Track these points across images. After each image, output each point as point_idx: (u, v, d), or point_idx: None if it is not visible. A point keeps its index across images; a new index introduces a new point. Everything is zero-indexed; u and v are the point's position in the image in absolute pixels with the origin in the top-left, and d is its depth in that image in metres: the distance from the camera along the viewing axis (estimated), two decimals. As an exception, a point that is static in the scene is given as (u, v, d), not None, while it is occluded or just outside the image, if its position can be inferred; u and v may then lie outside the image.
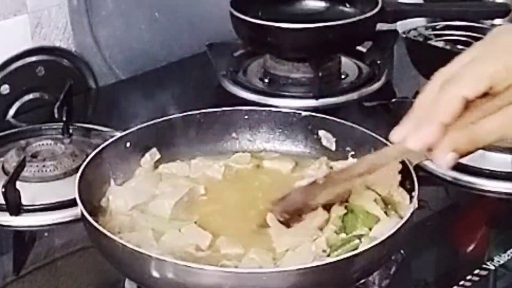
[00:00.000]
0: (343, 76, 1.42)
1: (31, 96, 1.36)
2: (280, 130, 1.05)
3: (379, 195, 0.92)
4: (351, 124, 1.00)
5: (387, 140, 0.85)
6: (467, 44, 0.85)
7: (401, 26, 1.49)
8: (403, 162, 0.91)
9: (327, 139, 1.03)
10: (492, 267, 0.96)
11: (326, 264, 0.78)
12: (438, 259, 1.03)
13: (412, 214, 0.84)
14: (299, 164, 1.02)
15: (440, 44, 1.45)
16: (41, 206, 1.05)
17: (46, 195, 1.07)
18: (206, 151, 1.03)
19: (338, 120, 1.02)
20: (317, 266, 0.78)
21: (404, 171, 0.91)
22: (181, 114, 1.02)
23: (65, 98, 1.22)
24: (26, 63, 1.34)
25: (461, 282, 0.93)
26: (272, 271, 0.79)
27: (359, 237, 0.86)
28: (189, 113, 1.03)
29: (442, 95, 0.76)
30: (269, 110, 1.06)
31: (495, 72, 0.75)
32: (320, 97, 1.32)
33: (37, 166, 1.11)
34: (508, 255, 0.98)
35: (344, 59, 1.44)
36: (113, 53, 1.44)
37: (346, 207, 0.90)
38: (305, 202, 0.89)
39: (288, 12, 1.48)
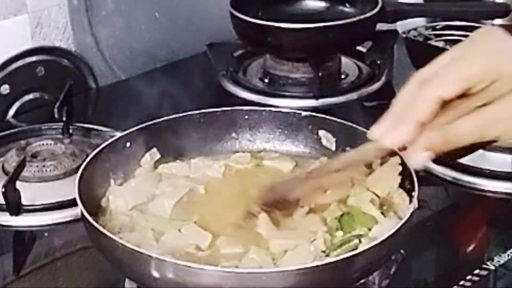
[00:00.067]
0: (343, 76, 1.42)
1: (31, 96, 1.36)
2: (280, 130, 1.05)
3: (378, 196, 0.92)
4: (351, 124, 1.00)
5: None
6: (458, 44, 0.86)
7: (401, 26, 1.49)
8: (403, 163, 0.91)
9: (327, 139, 1.03)
10: (492, 267, 0.96)
11: (326, 264, 0.78)
12: (438, 259, 1.03)
13: (412, 214, 0.84)
14: (299, 164, 1.02)
15: (440, 44, 1.45)
16: (41, 206, 1.05)
17: (46, 195, 1.07)
18: (206, 151, 1.03)
19: (338, 120, 1.02)
20: (317, 266, 0.78)
21: (404, 171, 0.91)
22: (181, 114, 1.02)
23: (65, 98, 1.22)
24: (26, 63, 1.34)
25: (461, 282, 0.93)
26: (272, 271, 0.79)
27: (359, 237, 0.86)
28: (189, 113, 1.03)
29: (419, 95, 0.77)
30: (269, 110, 1.06)
31: (472, 74, 0.76)
32: (320, 97, 1.32)
33: (37, 166, 1.11)
34: (508, 255, 0.98)
35: (344, 59, 1.44)
36: (113, 53, 1.44)
37: (342, 208, 0.91)
38: (285, 195, 0.90)
39: (288, 12, 1.48)
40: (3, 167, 1.13)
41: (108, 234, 0.81)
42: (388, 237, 0.81)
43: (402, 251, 0.96)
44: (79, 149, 1.16)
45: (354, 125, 1.00)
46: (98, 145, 0.97)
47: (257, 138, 1.05)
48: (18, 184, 1.03)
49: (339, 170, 0.89)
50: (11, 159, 1.12)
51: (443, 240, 1.05)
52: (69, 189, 0.95)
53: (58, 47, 1.38)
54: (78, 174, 0.90)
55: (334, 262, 0.79)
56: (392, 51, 1.46)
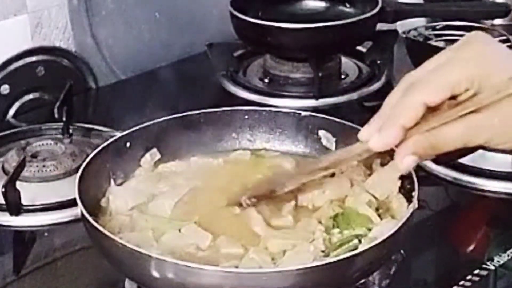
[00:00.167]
0: (343, 76, 1.42)
1: (31, 96, 1.36)
2: (280, 130, 1.05)
3: (376, 199, 0.92)
4: (351, 124, 1.00)
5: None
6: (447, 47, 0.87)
7: (401, 26, 1.49)
8: None
9: (327, 139, 1.03)
10: (492, 267, 0.96)
11: (326, 264, 0.78)
12: (438, 259, 1.03)
13: (412, 214, 0.84)
14: (299, 164, 1.01)
15: (440, 44, 1.45)
16: (41, 206, 1.05)
17: (46, 195, 1.07)
18: (206, 151, 1.03)
19: (338, 120, 1.02)
20: (317, 266, 0.78)
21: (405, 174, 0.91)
22: (181, 114, 1.02)
23: (65, 98, 1.22)
24: (26, 63, 1.34)
25: (461, 282, 0.93)
26: (272, 271, 0.79)
27: (359, 237, 0.86)
28: (189, 113, 1.03)
29: (405, 99, 0.78)
30: (269, 110, 1.06)
31: (458, 81, 0.76)
32: (320, 97, 1.32)
33: (37, 166, 1.11)
34: (508, 255, 0.98)
35: (344, 59, 1.44)
36: (113, 53, 1.44)
37: (337, 209, 0.91)
38: (273, 189, 0.91)
39: (288, 12, 1.48)
40: (3, 167, 1.13)
41: (108, 234, 0.81)
42: (388, 237, 0.81)
43: (402, 251, 0.96)
44: (79, 149, 1.16)
45: (354, 125, 1.00)
46: (98, 145, 0.97)
47: (257, 138, 1.05)
48: (18, 184, 1.03)
49: (327, 168, 0.90)
50: (11, 159, 1.12)
51: (443, 240, 1.05)
52: (69, 189, 0.96)
53: (58, 47, 1.38)
54: (78, 174, 0.90)
55: (334, 262, 0.79)
56: (392, 51, 1.46)
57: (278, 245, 0.85)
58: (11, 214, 1.03)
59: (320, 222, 0.89)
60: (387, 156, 0.91)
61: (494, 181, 1.10)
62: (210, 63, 1.41)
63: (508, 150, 0.80)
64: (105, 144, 0.97)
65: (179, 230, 0.88)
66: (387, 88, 1.39)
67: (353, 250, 0.81)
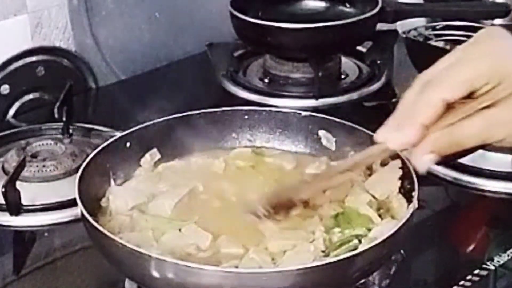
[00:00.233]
0: (343, 76, 1.42)
1: (31, 96, 1.36)
2: (280, 130, 1.05)
3: (376, 199, 0.92)
4: (351, 124, 1.00)
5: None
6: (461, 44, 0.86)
7: (401, 26, 1.49)
8: (403, 164, 0.91)
9: (327, 139, 1.03)
10: (492, 267, 0.96)
11: (326, 264, 0.78)
12: (438, 259, 1.03)
13: (412, 214, 0.84)
14: (299, 164, 1.01)
15: (440, 44, 1.45)
16: (41, 206, 1.05)
17: (46, 195, 1.07)
18: (206, 151, 1.03)
19: (338, 120, 1.02)
20: (317, 266, 0.78)
21: (404, 171, 0.91)
22: (181, 114, 1.02)
23: (65, 98, 1.22)
24: (26, 63, 1.34)
25: (461, 282, 0.93)
26: (272, 271, 0.79)
27: (359, 237, 0.86)
28: (189, 113, 1.03)
29: (423, 98, 0.77)
30: (269, 110, 1.06)
31: (476, 77, 0.76)
32: (320, 97, 1.32)
33: (37, 166, 1.11)
34: (508, 255, 0.98)
35: (344, 59, 1.44)
36: (113, 53, 1.44)
37: (339, 209, 0.91)
38: (291, 198, 0.90)
39: (288, 12, 1.48)
40: (3, 167, 1.13)
41: (108, 234, 0.81)
42: (388, 237, 0.81)
43: (402, 251, 0.96)
44: (79, 149, 1.16)
45: (354, 125, 1.00)
46: (98, 145, 0.97)
47: (257, 138, 1.05)
48: (18, 184, 1.03)
49: (344, 171, 0.89)
50: (11, 159, 1.12)
51: (443, 240, 1.05)
52: (69, 189, 0.96)
53: (58, 47, 1.38)
54: (78, 174, 0.90)
55: (334, 262, 0.79)
56: (392, 51, 1.46)
57: (278, 245, 0.85)
58: (11, 214, 1.03)
59: (321, 220, 0.89)
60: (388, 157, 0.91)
61: (494, 181, 1.10)
62: (210, 63, 1.41)
63: None
64: (105, 144, 0.97)
65: (179, 230, 0.88)
66: (387, 88, 1.40)
67: (353, 250, 0.81)
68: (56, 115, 1.20)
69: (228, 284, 0.77)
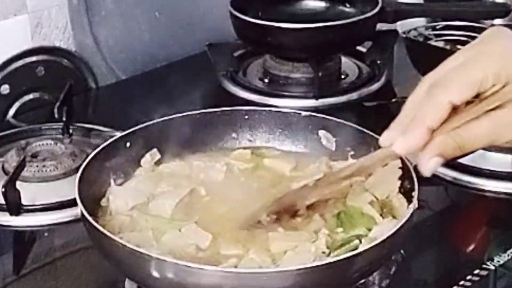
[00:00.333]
0: (343, 76, 1.42)
1: (31, 96, 1.36)
2: (280, 130, 1.05)
3: (377, 199, 0.92)
4: (351, 124, 1.00)
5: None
6: (467, 44, 0.85)
7: (401, 26, 1.49)
8: (403, 164, 0.91)
9: (327, 139, 1.03)
10: (492, 267, 0.96)
11: (326, 264, 0.78)
12: (438, 259, 1.03)
13: (412, 214, 0.84)
14: (299, 164, 1.02)
15: (440, 44, 1.45)
16: (41, 206, 1.05)
17: (46, 195, 1.07)
18: (206, 151, 1.03)
19: (338, 120, 1.02)
20: (317, 266, 0.78)
21: (404, 171, 0.91)
22: (181, 114, 1.02)
23: (65, 98, 1.22)
24: (26, 63, 1.34)
25: (461, 282, 0.93)
26: (272, 271, 0.79)
27: (359, 237, 0.86)
28: (189, 113, 1.03)
29: (429, 100, 0.76)
30: (269, 110, 1.06)
31: (484, 78, 0.74)
32: (320, 97, 1.32)
33: (37, 166, 1.11)
34: (508, 255, 0.98)
35: (344, 59, 1.44)
36: (113, 53, 1.44)
37: (341, 208, 0.91)
38: (294, 203, 0.90)
39: (288, 12, 1.48)
40: (3, 167, 1.13)
41: (108, 234, 0.81)
42: (388, 237, 0.81)
43: (402, 251, 0.96)
44: (79, 149, 1.16)
45: (354, 125, 1.00)
46: (98, 145, 0.97)
47: (257, 138, 1.05)
48: (18, 184, 1.03)
49: (350, 176, 0.89)
50: (11, 159, 1.12)
51: (443, 240, 1.05)
52: (69, 189, 0.96)
53: (58, 47, 1.38)
54: (78, 174, 0.90)
55: (334, 262, 0.79)
56: (392, 51, 1.46)
57: (279, 246, 0.85)
58: (11, 214, 1.03)
59: (324, 221, 0.89)
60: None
61: (494, 181, 1.10)
62: (210, 63, 1.41)
63: None
64: (105, 144, 0.97)
65: (179, 230, 0.88)
66: (387, 88, 1.40)
67: (353, 250, 0.81)
68: (56, 115, 1.20)
69: (228, 284, 0.77)
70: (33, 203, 1.05)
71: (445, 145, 0.76)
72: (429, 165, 0.77)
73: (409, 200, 0.89)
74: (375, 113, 1.28)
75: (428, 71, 0.80)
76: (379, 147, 0.82)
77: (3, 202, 1.02)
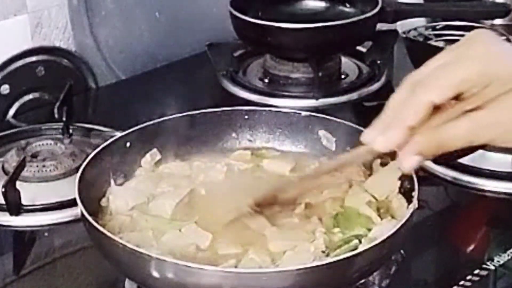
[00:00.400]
0: (343, 76, 1.42)
1: (31, 96, 1.36)
2: (280, 130, 1.05)
3: (376, 199, 0.92)
4: (351, 124, 1.00)
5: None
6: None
7: (401, 26, 1.49)
8: None
9: (327, 139, 1.03)
10: (492, 267, 0.96)
11: (326, 264, 0.78)
12: (438, 259, 1.03)
13: (412, 214, 0.84)
14: (299, 164, 1.02)
15: (440, 44, 1.45)
16: (41, 206, 1.05)
17: (46, 195, 1.07)
18: (206, 151, 1.03)
19: (338, 120, 1.02)
20: (317, 266, 0.78)
21: (404, 174, 0.91)
22: (181, 114, 1.02)
23: (65, 98, 1.22)
24: (26, 63, 1.34)
25: (461, 282, 0.93)
26: (272, 271, 0.79)
27: (359, 237, 0.87)
28: (189, 113, 1.03)
29: (410, 99, 0.77)
30: (269, 110, 1.06)
31: (464, 79, 0.75)
32: (320, 97, 1.32)
33: (37, 166, 1.11)
34: (508, 255, 0.98)
35: (344, 59, 1.44)
36: (113, 53, 1.44)
37: (337, 208, 0.91)
38: (275, 195, 0.91)
39: (288, 12, 1.48)
40: (3, 167, 1.13)
41: (108, 234, 0.81)
42: (388, 237, 0.81)
43: (402, 251, 0.96)
44: (79, 149, 1.16)
45: (354, 125, 1.00)
46: (98, 145, 0.97)
47: (257, 138, 1.05)
48: (18, 184, 1.03)
49: (330, 171, 0.90)
50: (11, 159, 1.12)
51: (443, 240, 1.05)
52: (69, 189, 0.96)
53: (58, 47, 1.38)
54: (78, 174, 0.90)
55: (334, 262, 0.79)
56: (392, 51, 1.46)
57: (278, 245, 0.85)
58: (11, 214, 1.03)
59: (321, 220, 0.89)
60: (387, 156, 0.91)
61: (494, 181, 1.10)
62: (210, 63, 1.41)
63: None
64: (105, 144, 0.97)
65: (179, 230, 0.88)
66: (387, 88, 1.40)
67: (353, 250, 0.81)
68: (56, 115, 1.20)
69: (228, 284, 0.77)
70: (33, 203, 1.05)
71: (424, 144, 0.77)
72: (409, 162, 0.79)
73: (409, 200, 0.89)
74: (375, 113, 1.27)
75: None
76: (361, 143, 0.83)
77: (3, 202, 1.02)
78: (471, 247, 1.04)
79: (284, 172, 1.00)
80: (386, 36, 1.45)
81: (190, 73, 1.45)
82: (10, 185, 1.01)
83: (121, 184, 0.97)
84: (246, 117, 1.05)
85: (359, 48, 1.46)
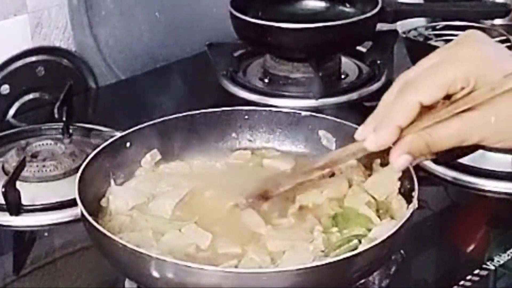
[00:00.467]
0: (343, 76, 1.42)
1: (31, 96, 1.36)
2: (280, 130, 1.05)
3: (375, 199, 0.92)
4: (351, 124, 1.00)
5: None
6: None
7: (401, 26, 1.49)
8: None
9: (327, 139, 1.03)
10: (492, 267, 0.96)
11: (326, 264, 0.78)
12: (438, 259, 1.03)
13: (412, 214, 0.84)
14: (299, 164, 1.01)
15: (440, 44, 1.45)
16: (41, 206, 1.05)
17: (46, 195, 1.07)
18: (206, 151, 1.03)
19: (338, 120, 1.02)
20: (317, 266, 0.78)
21: (404, 171, 0.91)
22: (181, 114, 1.02)
23: (65, 98, 1.22)
24: (26, 63, 1.34)
25: (461, 282, 0.93)
26: (272, 271, 0.79)
27: (358, 237, 0.86)
28: (189, 113, 1.03)
29: (400, 99, 0.78)
30: (269, 110, 1.06)
31: (454, 80, 0.76)
32: (320, 97, 1.32)
33: (37, 166, 1.11)
34: (508, 255, 0.98)
35: (344, 59, 1.44)
36: (113, 53, 1.44)
37: (336, 208, 0.91)
38: (268, 189, 0.91)
39: (288, 12, 1.48)
40: (3, 167, 1.13)
41: (108, 234, 0.81)
42: (388, 237, 0.81)
43: (402, 251, 0.96)
44: (79, 149, 1.16)
45: (354, 125, 1.00)
46: (98, 145, 0.97)
47: (257, 138, 1.05)
48: (18, 184, 1.03)
49: (324, 167, 0.90)
50: (11, 159, 1.12)
51: (443, 240, 1.05)
52: (69, 189, 0.96)
53: (58, 47, 1.38)
54: (78, 174, 0.90)
55: (334, 262, 0.79)
56: (392, 51, 1.46)
57: (277, 245, 0.85)
58: (11, 214, 1.03)
59: (319, 222, 0.89)
60: (387, 156, 0.91)
61: (494, 181, 1.10)
62: (210, 63, 1.41)
63: (505, 148, 0.80)
64: (105, 144, 0.97)
65: (179, 230, 0.88)
66: (387, 88, 1.39)
67: (353, 250, 0.81)
68: (56, 115, 1.20)
69: (228, 284, 0.77)
70: (33, 203, 1.05)
71: (414, 144, 0.78)
72: (399, 161, 0.80)
73: (409, 201, 0.89)
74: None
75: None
76: (354, 140, 0.84)
77: (3, 202, 1.02)
78: (471, 247, 1.04)
79: (284, 171, 1.00)
80: (386, 36, 1.45)
81: (190, 73, 1.45)
82: (10, 185, 1.01)
83: (121, 184, 0.97)
84: (246, 117, 1.05)
85: (359, 48, 1.46)
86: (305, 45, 1.35)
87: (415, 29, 1.49)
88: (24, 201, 1.04)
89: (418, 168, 0.92)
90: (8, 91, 1.33)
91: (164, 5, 1.49)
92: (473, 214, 1.11)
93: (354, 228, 0.88)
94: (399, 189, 0.92)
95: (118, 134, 1.00)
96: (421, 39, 1.47)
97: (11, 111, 1.35)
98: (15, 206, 1.03)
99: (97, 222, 0.84)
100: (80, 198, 0.87)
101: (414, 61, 1.39)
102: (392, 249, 0.86)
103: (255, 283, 0.77)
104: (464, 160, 1.09)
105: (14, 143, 1.19)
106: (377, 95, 1.35)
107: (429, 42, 1.46)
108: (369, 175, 0.96)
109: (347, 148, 0.87)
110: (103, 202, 0.94)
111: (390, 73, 1.42)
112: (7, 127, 1.28)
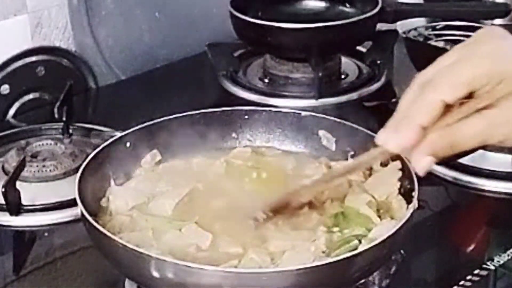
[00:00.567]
0: (343, 76, 1.42)
1: (31, 96, 1.36)
2: (280, 130, 1.05)
3: (376, 200, 0.92)
4: (351, 124, 1.00)
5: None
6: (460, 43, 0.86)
7: (401, 26, 1.49)
8: (403, 164, 0.91)
9: (327, 139, 1.03)
10: (492, 267, 0.96)
11: (326, 264, 0.78)
12: (438, 259, 1.03)
13: (412, 214, 0.84)
14: (299, 164, 1.01)
15: (440, 44, 1.45)
16: (41, 206, 1.05)
17: (46, 195, 1.07)
18: (206, 151, 1.03)
19: (338, 120, 1.02)
20: (317, 266, 0.78)
21: (404, 171, 0.91)
22: (181, 114, 1.02)
23: (65, 98, 1.22)
24: (26, 63, 1.34)
25: (461, 282, 0.93)
26: (272, 271, 0.79)
27: (359, 237, 0.86)
28: (189, 113, 1.03)
29: (421, 99, 0.76)
30: (269, 110, 1.06)
31: (475, 78, 0.75)
32: (320, 97, 1.32)
33: (37, 166, 1.11)
34: (508, 255, 0.98)
35: (344, 59, 1.44)
36: (113, 53, 1.44)
37: (337, 208, 0.91)
38: (290, 201, 0.89)
39: (288, 12, 1.48)
40: (3, 167, 1.13)
41: (108, 234, 0.81)
42: (388, 237, 0.81)
43: (402, 251, 0.96)
44: (79, 149, 1.16)
45: (354, 125, 1.00)
46: (98, 145, 0.97)
47: (257, 138, 1.05)
48: (18, 184, 1.03)
49: (344, 174, 0.90)
50: (11, 159, 1.12)
51: (443, 240, 1.05)
52: (69, 189, 0.95)
53: (58, 47, 1.38)
54: (78, 174, 0.90)
55: (334, 262, 0.79)
56: (392, 51, 1.46)
57: (278, 245, 0.85)
58: (11, 214, 1.03)
59: (321, 220, 0.89)
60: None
61: (494, 181, 1.10)
62: (210, 63, 1.41)
63: None
64: (105, 144, 0.97)
65: (180, 230, 0.88)
66: (387, 88, 1.40)
67: (353, 250, 0.81)
68: (56, 115, 1.20)
69: (228, 284, 0.77)
70: (33, 203, 1.05)
71: (437, 144, 0.77)
72: (422, 164, 0.78)
73: (409, 201, 0.89)
74: (375, 113, 1.28)
75: (428, 71, 0.80)
76: (375, 145, 0.82)
77: (3, 202, 1.02)
78: (471, 247, 1.04)
79: (284, 170, 1.00)
80: (386, 36, 1.45)
81: (190, 73, 1.45)
82: (10, 185, 1.01)
83: (121, 184, 0.97)
84: (246, 117, 1.05)
85: (359, 48, 1.46)
86: (305, 45, 1.35)
87: (415, 29, 1.49)
88: (24, 201, 1.04)
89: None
90: (8, 91, 1.33)
91: (164, 5, 1.49)
92: (473, 214, 1.11)
93: (355, 228, 0.88)
94: (399, 189, 0.92)
95: (118, 134, 1.00)
96: (421, 39, 1.47)
97: (11, 111, 1.35)
98: (15, 206, 1.03)
99: (97, 222, 0.84)
100: (80, 198, 0.87)
101: (414, 61, 1.40)
102: (392, 249, 0.86)
103: (255, 283, 0.77)
104: (464, 160, 1.09)
105: (14, 143, 1.19)
106: (377, 95, 1.36)
107: (429, 42, 1.46)
108: (369, 175, 0.96)
109: (369, 154, 0.85)
110: (103, 202, 0.94)
111: (390, 73, 1.42)
112: (7, 127, 1.28)
